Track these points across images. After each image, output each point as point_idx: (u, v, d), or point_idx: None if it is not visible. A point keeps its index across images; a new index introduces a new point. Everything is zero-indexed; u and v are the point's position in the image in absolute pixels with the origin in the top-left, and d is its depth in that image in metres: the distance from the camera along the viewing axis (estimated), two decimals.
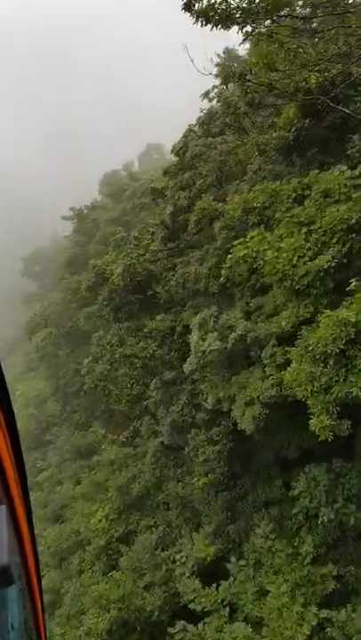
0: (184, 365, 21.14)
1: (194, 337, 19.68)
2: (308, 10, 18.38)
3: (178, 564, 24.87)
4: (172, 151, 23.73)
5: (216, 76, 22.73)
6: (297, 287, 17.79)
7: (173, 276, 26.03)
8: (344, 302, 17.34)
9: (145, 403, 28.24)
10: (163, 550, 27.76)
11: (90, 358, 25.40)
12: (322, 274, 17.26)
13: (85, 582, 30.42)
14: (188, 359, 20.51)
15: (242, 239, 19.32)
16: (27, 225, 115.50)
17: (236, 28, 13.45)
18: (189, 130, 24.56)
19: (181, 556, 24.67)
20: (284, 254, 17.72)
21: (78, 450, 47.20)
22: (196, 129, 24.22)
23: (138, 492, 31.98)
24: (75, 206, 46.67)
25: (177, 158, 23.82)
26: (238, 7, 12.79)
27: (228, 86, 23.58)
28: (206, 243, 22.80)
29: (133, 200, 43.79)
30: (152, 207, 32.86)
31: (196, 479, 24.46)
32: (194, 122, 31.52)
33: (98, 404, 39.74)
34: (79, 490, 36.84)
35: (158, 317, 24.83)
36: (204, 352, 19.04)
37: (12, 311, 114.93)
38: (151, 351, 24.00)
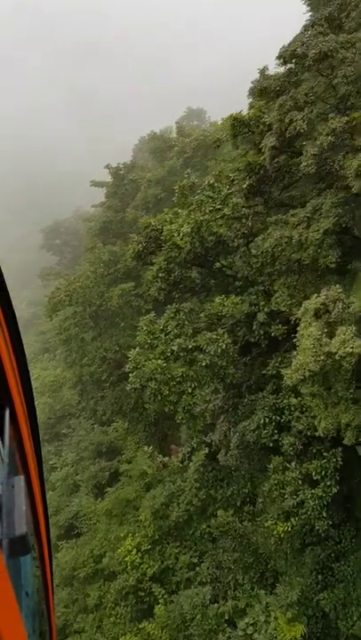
0: (285, 372, 14.23)
1: (310, 330, 12.78)
2: None
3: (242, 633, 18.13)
4: (278, 56, 16.39)
5: None
6: None
7: (252, 242, 18.99)
8: None
9: (201, 408, 21.38)
10: (213, 602, 21.07)
11: (137, 349, 18.46)
12: None
13: (107, 629, 23.87)
14: (293, 363, 13.60)
15: None
16: (49, 198, 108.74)
17: None
18: (310, 24, 17.18)
19: (248, 625, 17.93)
20: None
21: (98, 448, 40.57)
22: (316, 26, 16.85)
23: (177, 517, 25.31)
24: (111, 165, 39.48)
25: (285, 66, 16.58)
26: None
27: None
28: (316, 195, 15.89)
29: (184, 156, 36.66)
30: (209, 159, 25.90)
31: (271, 522, 17.66)
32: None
33: (127, 399, 32.99)
34: (102, 506, 30.13)
35: (232, 299, 17.98)
36: (331, 355, 12.22)
37: (27, 287, 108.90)
38: (223, 345, 17.20)
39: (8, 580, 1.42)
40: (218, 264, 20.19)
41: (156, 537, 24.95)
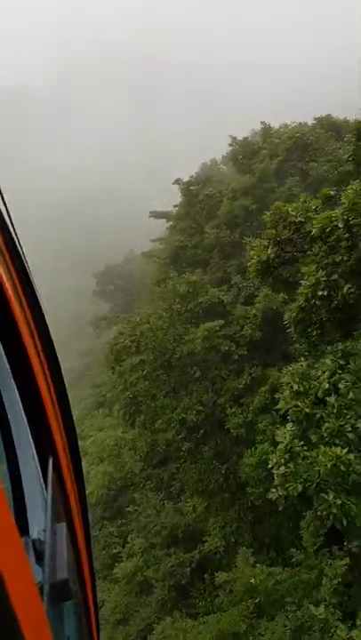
0: None
1: None
2: None
3: None
4: None
5: None
6: None
7: None
8: None
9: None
10: None
11: (289, 425, 10.59)
12: None
13: None
14: None
15: None
16: (104, 242, 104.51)
17: None
18: None
19: None
20: None
21: (172, 533, 32.13)
22: None
23: None
24: (182, 179, 32.59)
25: None
26: None
27: None
28: None
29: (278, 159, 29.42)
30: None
31: None
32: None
33: (214, 474, 24.77)
34: (194, 637, 21.33)
35: None
36: None
37: (78, 337, 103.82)
38: None
39: (47, 626, 1.41)
40: None
41: None
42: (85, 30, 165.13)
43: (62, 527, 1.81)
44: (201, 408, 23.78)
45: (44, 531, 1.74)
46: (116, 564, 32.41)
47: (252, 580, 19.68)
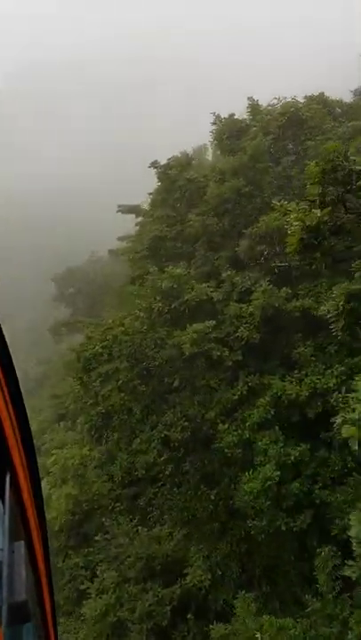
0: None
1: None
2: None
3: None
4: None
5: None
6: None
7: None
8: None
9: None
10: None
11: None
12: None
13: None
14: None
15: None
16: (65, 246, 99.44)
17: None
18: None
19: None
20: None
21: (149, 564, 28.17)
22: None
23: None
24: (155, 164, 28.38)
25: None
26: None
27: None
28: None
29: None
30: None
31: None
32: None
33: (202, 502, 21.05)
34: None
35: None
36: None
37: (36, 345, 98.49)
38: None
39: None
40: None
41: None
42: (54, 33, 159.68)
43: (20, 545, 1.73)
44: (186, 424, 20.11)
45: (1, 549, 1.65)
46: (84, 602, 28.22)
47: (258, 636, 16.07)
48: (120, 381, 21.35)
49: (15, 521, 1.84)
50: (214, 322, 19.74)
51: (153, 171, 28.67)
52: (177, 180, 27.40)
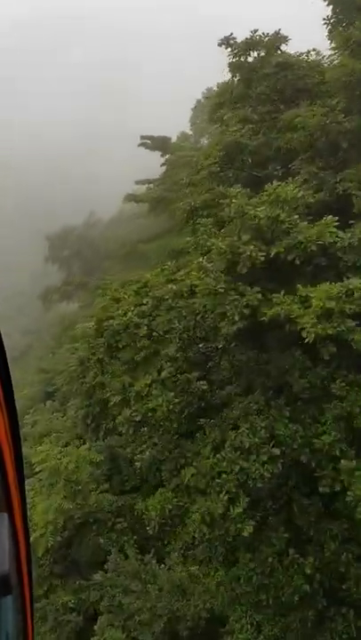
0: None
1: None
2: None
3: None
4: None
5: None
6: None
7: None
8: None
9: None
10: None
11: None
12: None
13: None
14: None
15: None
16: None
17: None
18: None
19: None
20: None
21: (172, 627, 19.75)
22: None
23: None
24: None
25: None
26: None
27: None
28: None
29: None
30: None
31: None
32: None
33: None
34: None
35: None
36: None
37: (23, 313, 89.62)
38: None
39: None
40: None
41: None
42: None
43: (3, 517, 1.67)
44: (276, 451, 11.60)
45: None
46: None
47: None
48: (164, 371, 12.78)
49: None
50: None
51: None
52: (258, 67, 17.75)
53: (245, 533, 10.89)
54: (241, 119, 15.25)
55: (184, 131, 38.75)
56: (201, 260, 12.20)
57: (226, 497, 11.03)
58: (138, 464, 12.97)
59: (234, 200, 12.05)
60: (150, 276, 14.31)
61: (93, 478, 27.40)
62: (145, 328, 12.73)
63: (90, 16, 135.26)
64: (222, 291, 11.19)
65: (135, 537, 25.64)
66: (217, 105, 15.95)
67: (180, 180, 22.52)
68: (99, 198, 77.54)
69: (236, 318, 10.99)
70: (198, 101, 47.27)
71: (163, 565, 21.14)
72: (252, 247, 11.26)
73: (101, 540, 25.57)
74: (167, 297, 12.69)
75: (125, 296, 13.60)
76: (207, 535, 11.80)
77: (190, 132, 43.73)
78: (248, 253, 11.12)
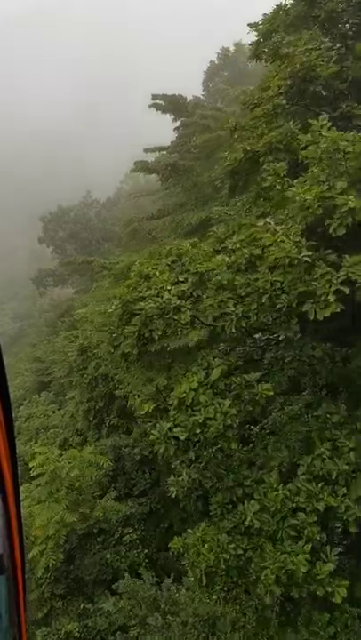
0: None
1: None
2: None
3: None
4: None
5: None
6: None
7: None
8: None
9: None
10: None
11: None
12: None
13: None
14: None
15: None
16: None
17: None
18: None
19: None
20: None
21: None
22: None
23: None
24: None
25: None
26: None
27: None
28: None
29: None
30: None
31: None
32: None
33: None
34: None
35: None
36: None
37: (15, 298, 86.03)
38: None
39: None
40: None
41: None
42: None
43: None
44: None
45: None
46: None
47: None
48: (214, 371, 9.44)
49: None
50: None
51: None
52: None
53: (338, 600, 7.76)
54: (308, 41, 11.82)
55: (196, 95, 35.28)
56: (268, 220, 8.87)
57: (307, 546, 7.84)
58: (173, 489, 9.52)
59: (324, 134, 8.69)
60: (187, 246, 10.84)
61: (97, 481, 24.20)
62: (188, 313, 9.36)
63: None
64: (310, 260, 7.91)
65: (146, 551, 22.61)
66: (266, 33, 12.49)
67: (203, 143, 18.95)
68: (95, 179, 73.65)
69: (331, 299, 7.74)
70: (212, 62, 43.52)
71: (184, 591, 17.97)
72: (352, 197, 7.93)
73: (108, 555, 22.32)
74: (217, 271, 9.30)
75: (157, 272, 10.17)
76: (280, 597, 8.62)
77: (203, 98, 40.21)
78: (349, 206, 7.76)
